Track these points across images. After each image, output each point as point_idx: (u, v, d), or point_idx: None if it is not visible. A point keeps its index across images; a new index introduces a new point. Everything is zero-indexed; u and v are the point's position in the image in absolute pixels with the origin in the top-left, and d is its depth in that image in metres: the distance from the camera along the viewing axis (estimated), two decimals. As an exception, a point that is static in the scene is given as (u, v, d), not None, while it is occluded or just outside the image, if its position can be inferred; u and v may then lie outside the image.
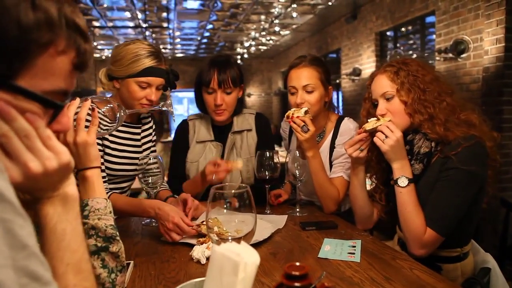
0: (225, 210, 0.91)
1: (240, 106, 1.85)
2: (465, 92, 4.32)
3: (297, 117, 1.57)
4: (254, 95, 12.91)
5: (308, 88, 1.67)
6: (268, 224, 1.46)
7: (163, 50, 10.90)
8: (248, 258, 0.66)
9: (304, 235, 1.39)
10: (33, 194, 0.63)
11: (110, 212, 0.92)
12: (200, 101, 1.81)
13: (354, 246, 1.26)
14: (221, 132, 1.85)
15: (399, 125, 1.33)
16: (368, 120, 1.37)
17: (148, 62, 1.51)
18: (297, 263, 0.66)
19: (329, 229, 1.45)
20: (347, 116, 1.80)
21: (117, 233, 0.91)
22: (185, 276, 1.08)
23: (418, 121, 1.30)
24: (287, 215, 1.59)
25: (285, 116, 1.64)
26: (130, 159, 1.64)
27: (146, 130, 1.77)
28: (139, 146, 1.70)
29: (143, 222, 1.60)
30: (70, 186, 0.67)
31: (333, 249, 1.24)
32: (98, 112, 1.31)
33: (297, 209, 1.69)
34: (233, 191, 0.89)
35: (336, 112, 1.85)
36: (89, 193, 0.92)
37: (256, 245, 1.27)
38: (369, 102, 1.46)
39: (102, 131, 1.29)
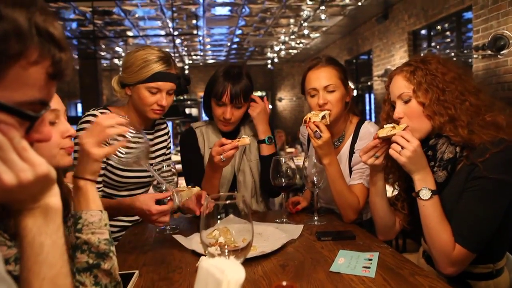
0: (218, 221, 0.85)
1: (246, 116, 1.80)
2: (506, 91, 4.04)
3: (313, 122, 1.50)
4: (285, 100, 12.84)
5: (330, 88, 1.59)
6: (282, 234, 1.39)
7: (194, 57, 11.10)
8: (232, 276, 0.61)
9: (318, 246, 1.32)
10: (12, 205, 0.62)
11: (106, 225, 0.90)
12: (208, 108, 1.78)
13: (371, 260, 1.17)
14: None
15: (419, 129, 1.23)
16: (384, 126, 1.27)
17: (157, 67, 1.49)
18: (284, 283, 0.60)
19: (346, 239, 1.37)
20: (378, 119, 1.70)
21: (111, 247, 0.89)
22: (189, 287, 1.04)
23: (438, 124, 1.19)
24: (303, 225, 1.52)
25: (303, 120, 1.57)
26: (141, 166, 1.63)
27: (160, 137, 1.75)
28: (151, 152, 1.69)
29: (157, 230, 1.58)
30: (52, 198, 0.64)
31: (347, 262, 1.16)
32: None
33: (315, 218, 1.61)
34: (228, 202, 0.84)
35: (357, 115, 1.76)
36: (83, 204, 0.91)
37: (266, 257, 1.22)
38: (389, 104, 1.36)
39: (121, 158, 1.22)
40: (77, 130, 1.49)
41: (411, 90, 1.22)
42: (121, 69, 1.58)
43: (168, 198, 1.28)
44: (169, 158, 1.81)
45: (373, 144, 1.29)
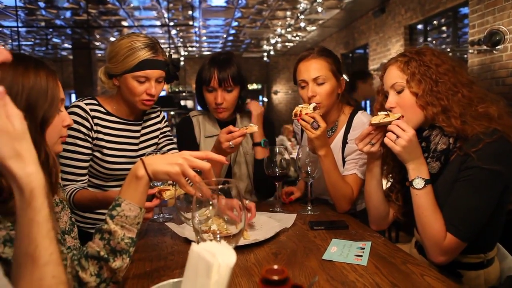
0: (210, 207, 0.85)
1: (242, 104, 1.78)
2: (501, 86, 4.05)
3: (306, 113, 1.49)
4: (281, 92, 12.82)
5: (319, 80, 1.58)
6: (275, 223, 1.40)
7: (189, 49, 11.01)
8: (223, 259, 0.60)
9: (311, 235, 1.32)
10: None
11: (138, 224, 0.89)
12: (201, 98, 1.77)
13: (363, 248, 1.17)
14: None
15: (412, 119, 1.23)
16: (378, 114, 1.27)
17: (143, 55, 1.43)
18: (276, 266, 0.59)
19: (339, 229, 1.37)
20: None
21: (131, 249, 0.88)
22: (180, 275, 1.03)
23: (431, 114, 1.19)
24: (296, 214, 1.52)
25: (293, 114, 1.55)
26: (130, 158, 1.59)
27: (151, 126, 1.70)
28: (136, 144, 1.64)
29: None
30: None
31: (340, 250, 1.16)
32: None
33: (309, 208, 1.61)
34: (220, 186, 0.84)
35: (350, 105, 1.75)
36: (130, 192, 0.88)
37: (258, 244, 1.22)
38: (382, 95, 1.36)
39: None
40: None
41: (404, 80, 1.22)
42: (106, 59, 1.52)
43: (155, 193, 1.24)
44: (172, 143, 1.76)
45: (367, 131, 1.29)
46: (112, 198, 1.21)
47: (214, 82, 1.64)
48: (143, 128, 1.68)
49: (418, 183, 1.19)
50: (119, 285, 0.97)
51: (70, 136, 1.44)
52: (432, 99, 1.17)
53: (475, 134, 1.12)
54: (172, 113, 11.40)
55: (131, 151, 1.62)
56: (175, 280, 0.72)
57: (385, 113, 1.25)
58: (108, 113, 1.57)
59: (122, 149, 1.59)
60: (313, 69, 1.59)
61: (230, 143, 1.48)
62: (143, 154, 1.63)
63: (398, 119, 1.21)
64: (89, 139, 1.50)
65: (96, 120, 1.52)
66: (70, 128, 1.42)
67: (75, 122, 1.46)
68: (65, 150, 1.45)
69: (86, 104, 1.51)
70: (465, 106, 1.16)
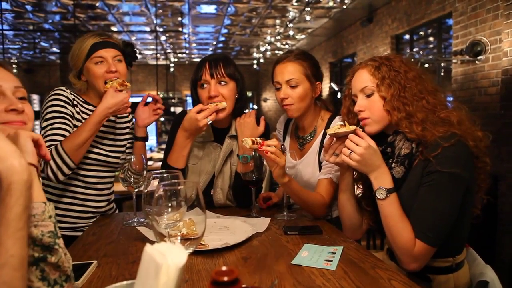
0: (169, 209, 0.83)
1: (240, 107, 1.72)
2: (483, 96, 4.12)
3: (262, 144, 1.36)
4: (270, 100, 12.86)
5: (292, 82, 1.61)
6: (248, 227, 1.38)
7: (179, 55, 11.02)
8: (172, 260, 0.59)
9: (284, 240, 1.31)
10: None
11: (50, 217, 0.83)
12: (196, 102, 1.71)
13: (334, 253, 1.16)
14: (220, 134, 1.76)
15: (378, 122, 1.24)
16: (337, 124, 1.28)
17: (93, 40, 1.57)
18: (224, 268, 0.58)
19: (312, 234, 1.36)
20: None
21: (57, 240, 0.82)
22: (146, 279, 1.02)
23: (396, 119, 1.20)
24: (269, 218, 1.51)
25: (248, 144, 1.38)
26: (106, 145, 1.68)
27: (123, 117, 1.80)
28: (120, 134, 1.76)
29: (124, 222, 1.55)
30: None
31: (311, 255, 1.15)
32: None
33: (285, 213, 1.60)
34: (182, 187, 0.82)
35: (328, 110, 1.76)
36: (22, 200, 0.83)
37: (229, 249, 1.21)
38: (349, 99, 1.37)
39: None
40: (48, 107, 1.54)
41: (374, 84, 1.24)
42: (70, 65, 1.65)
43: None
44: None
45: (328, 143, 1.31)
46: (92, 120, 1.43)
47: (206, 75, 1.61)
48: (117, 118, 1.78)
49: (381, 193, 1.20)
50: (81, 288, 0.95)
51: (58, 105, 1.54)
52: (398, 104, 1.19)
53: (434, 139, 1.14)
54: (162, 119, 11.34)
55: (111, 140, 1.72)
56: (129, 282, 0.71)
57: (341, 123, 1.27)
58: (85, 102, 1.67)
59: (98, 136, 1.65)
60: (287, 72, 1.62)
61: (208, 119, 1.52)
62: (119, 140, 1.74)
63: (353, 130, 1.22)
64: (72, 116, 1.58)
65: (75, 103, 1.61)
66: (58, 104, 1.55)
67: (62, 100, 1.56)
68: (55, 116, 1.52)
69: (66, 89, 1.62)
70: (428, 112, 1.18)
